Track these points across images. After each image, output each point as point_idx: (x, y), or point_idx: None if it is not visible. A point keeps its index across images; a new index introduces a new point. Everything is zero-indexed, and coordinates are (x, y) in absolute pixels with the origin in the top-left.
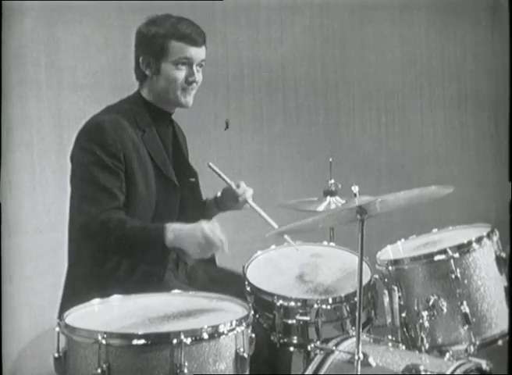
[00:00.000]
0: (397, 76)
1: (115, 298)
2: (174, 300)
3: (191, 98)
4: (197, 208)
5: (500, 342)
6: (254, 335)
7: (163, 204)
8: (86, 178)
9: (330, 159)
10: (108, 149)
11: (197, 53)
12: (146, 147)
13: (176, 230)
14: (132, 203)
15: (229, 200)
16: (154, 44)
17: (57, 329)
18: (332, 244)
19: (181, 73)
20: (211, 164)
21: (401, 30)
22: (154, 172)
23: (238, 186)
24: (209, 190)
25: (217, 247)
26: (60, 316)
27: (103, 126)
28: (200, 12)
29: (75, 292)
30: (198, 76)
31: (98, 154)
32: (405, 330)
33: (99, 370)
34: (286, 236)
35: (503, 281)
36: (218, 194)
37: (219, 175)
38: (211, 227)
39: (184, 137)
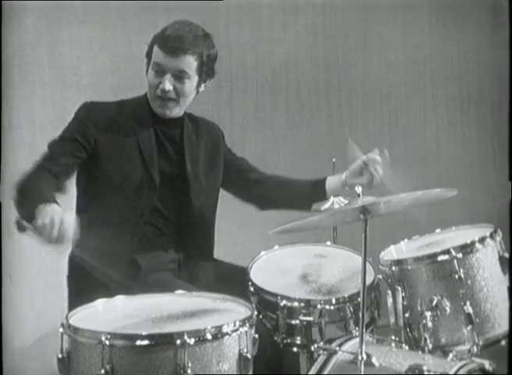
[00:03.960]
0: (400, 76)
1: (119, 299)
2: (177, 300)
3: (169, 109)
4: (181, 213)
5: (503, 342)
6: (257, 335)
7: (138, 198)
8: (54, 144)
9: (333, 160)
10: (80, 126)
11: (171, 62)
12: (137, 138)
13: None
14: (98, 185)
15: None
16: (148, 47)
17: (61, 329)
18: (335, 244)
19: (155, 80)
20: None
21: (404, 31)
22: (141, 165)
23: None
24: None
25: (60, 235)
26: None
27: (93, 110)
28: (203, 12)
29: (82, 297)
30: (168, 86)
31: (69, 126)
32: (408, 330)
33: (103, 371)
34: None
35: (506, 281)
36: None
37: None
38: (64, 214)
39: (210, 134)
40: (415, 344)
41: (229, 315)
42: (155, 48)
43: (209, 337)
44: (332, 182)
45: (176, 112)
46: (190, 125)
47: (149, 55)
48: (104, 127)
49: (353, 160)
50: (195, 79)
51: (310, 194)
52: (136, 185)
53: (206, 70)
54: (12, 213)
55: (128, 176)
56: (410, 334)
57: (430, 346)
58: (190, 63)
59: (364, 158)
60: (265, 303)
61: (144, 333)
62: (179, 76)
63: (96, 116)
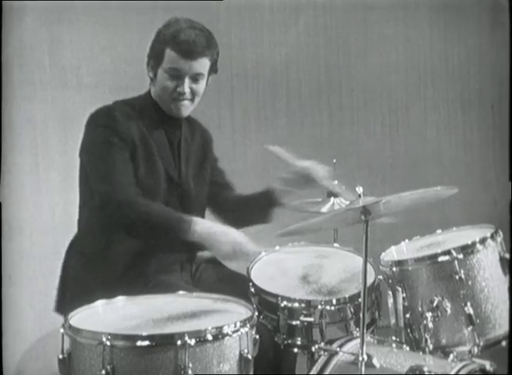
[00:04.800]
0: (401, 76)
1: (120, 300)
2: (178, 301)
3: (185, 109)
4: (198, 211)
5: (504, 343)
6: (258, 336)
7: (163, 198)
8: (104, 157)
9: (334, 160)
10: (119, 135)
11: (190, 66)
12: (153, 142)
13: (205, 227)
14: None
15: (301, 182)
16: (155, 48)
17: (61, 330)
18: (336, 245)
19: (171, 83)
20: (275, 147)
21: (404, 31)
22: (162, 167)
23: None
24: None
25: (244, 257)
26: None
27: (113, 113)
28: (203, 13)
29: (83, 296)
30: (187, 89)
31: (111, 138)
32: (409, 331)
33: (103, 372)
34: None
35: (506, 282)
36: (272, 186)
37: (283, 157)
38: (243, 240)
39: (204, 136)
40: (416, 345)
41: (230, 316)
42: (169, 52)
43: (210, 337)
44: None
45: (190, 111)
46: (187, 125)
47: (158, 58)
48: (130, 129)
49: (287, 164)
50: (206, 77)
51: (260, 206)
52: (162, 189)
53: (214, 68)
54: (11, 213)
55: (153, 180)
56: (410, 335)
57: (431, 347)
58: (205, 65)
59: (308, 166)
60: (266, 304)
61: (144, 333)
62: (196, 77)
63: (125, 120)
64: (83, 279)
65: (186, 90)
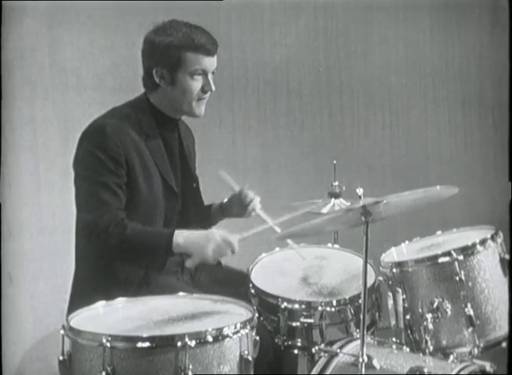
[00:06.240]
0: (401, 77)
1: (120, 301)
2: (179, 302)
3: (204, 107)
4: (198, 214)
5: (504, 344)
6: (258, 338)
7: (163, 209)
8: (90, 179)
9: (334, 161)
10: (110, 153)
11: (212, 63)
12: (150, 152)
13: (184, 237)
14: (135, 207)
15: (235, 207)
16: (169, 55)
17: (62, 332)
18: (336, 246)
19: (197, 84)
20: (222, 172)
21: (405, 32)
22: (159, 177)
23: (246, 194)
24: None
25: (227, 252)
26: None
27: (105, 129)
28: (204, 14)
29: (83, 299)
30: (213, 85)
31: (101, 157)
32: (409, 332)
33: (104, 373)
34: (289, 241)
35: (507, 283)
36: (225, 200)
37: (229, 183)
38: (222, 234)
39: (192, 137)
40: (416, 346)
41: (230, 317)
42: (190, 55)
43: (210, 339)
44: (214, 208)
45: None
46: (182, 125)
47: (178, 64)
48: (124, 145)
49: (231, 189)
50: None
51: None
52: (161, 199)
53: None
54: (11, 213)
55: (151, 192)
56: (410, 336)
57: (431, 348)
58: (216, 59)
59: (247, 192)
60: (266, 305)
61: (144, 335)
62: (214, 72)
63: (117, 137)
64: (85, 281)
65: (213, 86)
